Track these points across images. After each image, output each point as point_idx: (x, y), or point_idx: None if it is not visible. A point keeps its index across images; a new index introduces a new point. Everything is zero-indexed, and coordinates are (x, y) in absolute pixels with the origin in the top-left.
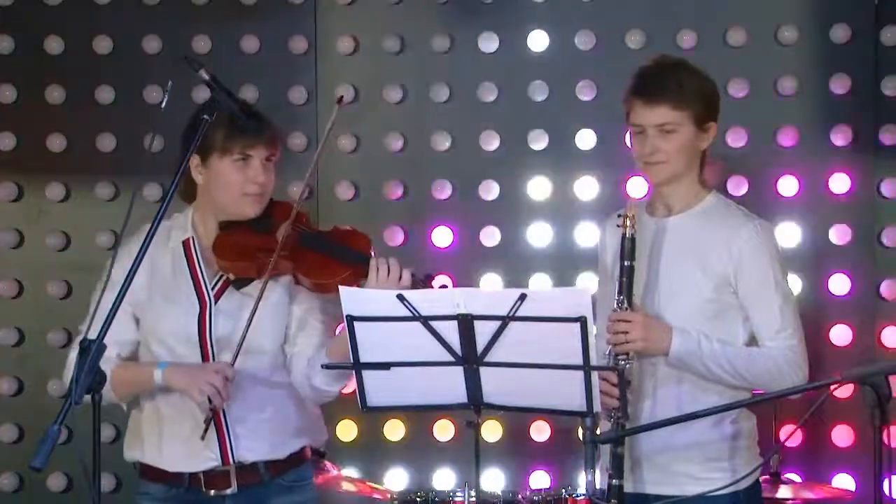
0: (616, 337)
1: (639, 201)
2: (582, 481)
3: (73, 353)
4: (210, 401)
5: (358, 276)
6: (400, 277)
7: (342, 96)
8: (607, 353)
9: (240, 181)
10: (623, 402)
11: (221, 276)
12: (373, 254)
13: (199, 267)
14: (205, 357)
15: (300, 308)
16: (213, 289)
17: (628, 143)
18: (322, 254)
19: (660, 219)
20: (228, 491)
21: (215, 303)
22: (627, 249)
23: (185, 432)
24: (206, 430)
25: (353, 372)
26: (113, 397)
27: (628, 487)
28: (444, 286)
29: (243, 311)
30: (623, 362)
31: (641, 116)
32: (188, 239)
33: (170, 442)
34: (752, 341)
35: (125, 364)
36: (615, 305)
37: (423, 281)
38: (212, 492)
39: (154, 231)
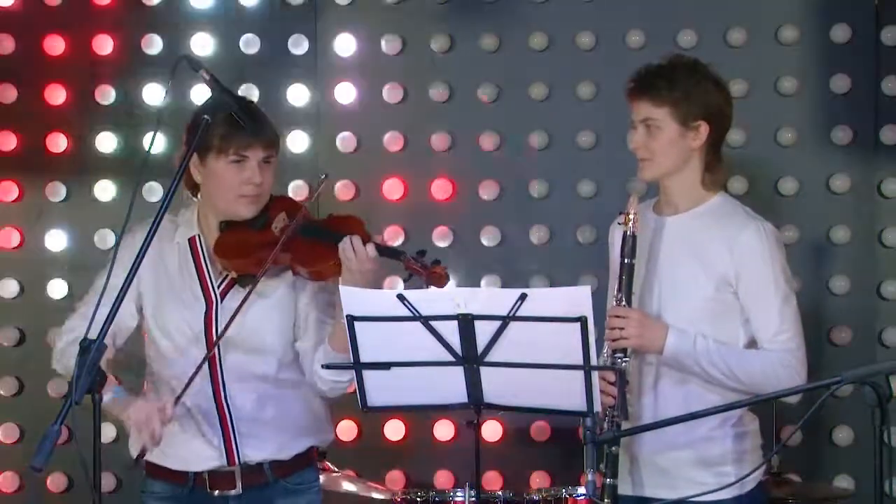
0: (611, 332)
1: (647, 200)
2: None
3: (68, 327)
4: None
5: None
6: (365, 248)
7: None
8: (604, 350)
9: (236, 182)
10: (622, 402)
11: (226, 275)
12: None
13: (206, 265)
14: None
15: (306, 303)
16: (219, 287)
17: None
18: (316, 241)
19: (662, 217)
20: (232, 492)
21: (221, 301)
22: (628, 247)
23: (190, 433)
24: (136, 461)
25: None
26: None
27: (627, 490)
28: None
29: (249, 308)
30: (620, 360)
31: (633, 111)
32: (194, 237)
33: (173, 443)
34: (753, 344)
35: None
36: (613, 302)
37: (395, 252)
38: (216, 492)
39: (154, 232)
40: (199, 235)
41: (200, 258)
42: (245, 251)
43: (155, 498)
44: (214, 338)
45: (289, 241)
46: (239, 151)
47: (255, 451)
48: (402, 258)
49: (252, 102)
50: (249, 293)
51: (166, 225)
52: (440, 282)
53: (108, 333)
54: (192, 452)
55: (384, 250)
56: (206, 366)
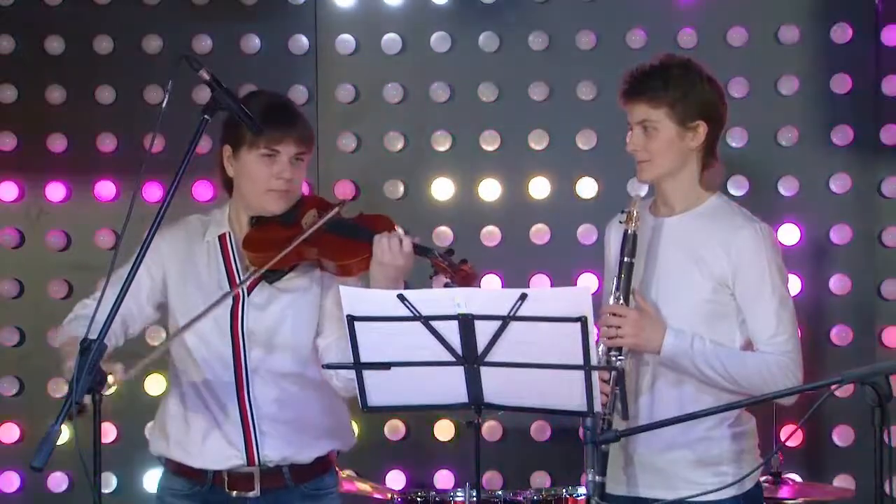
0: (608, 331)
1: (644, 200)
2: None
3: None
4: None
5: None
6: (401, 244)
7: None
8: (599, 348)
9: (265, 176)
10: (623, 401)
11: (254, 270)
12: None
13: (234, 261)
14: (235, 349)
15: (330, 300)
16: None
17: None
18: (344, 237)
19: (659, 218)
20: (251, 494)
21: (248, 295)
22: (629, 246)
23: (211, 432)
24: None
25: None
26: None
27: (623, 490)
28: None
29: (274, 304)
30: (615, 359)
31: (628, 113)
32: (224, 234)
33: (195, 441)
34: (749, 345)
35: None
36: (611, 300)
37: (424, 249)
38: (234, 493)
39: (158, 223)
40: (229, 233)
41: (230, 254)
42: (273, 246)
43: (172, 494)
44: (240, 332)
45: (317, 237)
46: (270, 146)
47: (275, 450)
48: (431, 256)
49: (288, 101)
50: (272, 282)
51: (196, 224)
52: (470, 281)
53: (120, 321)
54: (213, 450)
55: (414, 247)
56: (230, 362)
